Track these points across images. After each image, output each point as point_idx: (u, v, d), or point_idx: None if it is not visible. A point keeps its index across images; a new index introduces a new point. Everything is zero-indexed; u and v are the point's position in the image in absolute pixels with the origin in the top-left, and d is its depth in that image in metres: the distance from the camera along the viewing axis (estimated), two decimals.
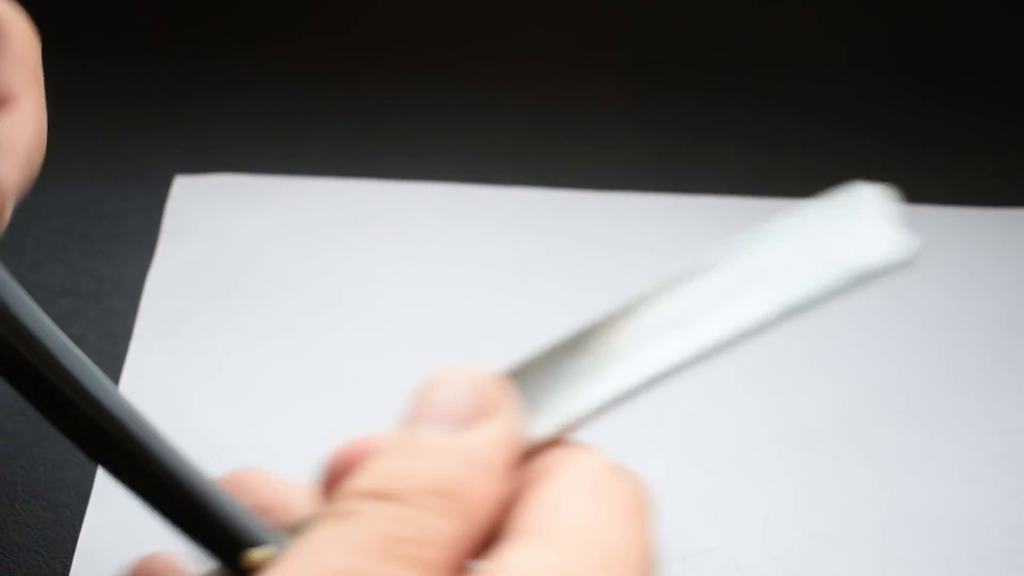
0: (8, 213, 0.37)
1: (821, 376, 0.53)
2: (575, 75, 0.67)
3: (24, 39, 0.38)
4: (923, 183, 0.61)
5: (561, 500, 0.24)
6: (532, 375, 0.28)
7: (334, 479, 0.27)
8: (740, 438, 0.50)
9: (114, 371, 0.51)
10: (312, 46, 0.69)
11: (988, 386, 0.53)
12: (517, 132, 0.64)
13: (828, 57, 0.69)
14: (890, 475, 0.49)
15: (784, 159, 0.63)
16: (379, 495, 0.23)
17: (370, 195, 0.60)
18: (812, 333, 0.54)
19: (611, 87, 0.67)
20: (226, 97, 0.66)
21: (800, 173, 0.62)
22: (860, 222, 0.24)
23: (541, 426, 0.26)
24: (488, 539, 0.23)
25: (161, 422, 0.52)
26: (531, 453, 0.26)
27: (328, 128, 0.64)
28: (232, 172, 0.61)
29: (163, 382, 0.51)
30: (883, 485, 0.49)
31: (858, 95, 0.67)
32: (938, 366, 0.53)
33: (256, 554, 0.26)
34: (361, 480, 0.23)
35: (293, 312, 0.54)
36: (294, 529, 0.27)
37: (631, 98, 0.66)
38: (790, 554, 0.46)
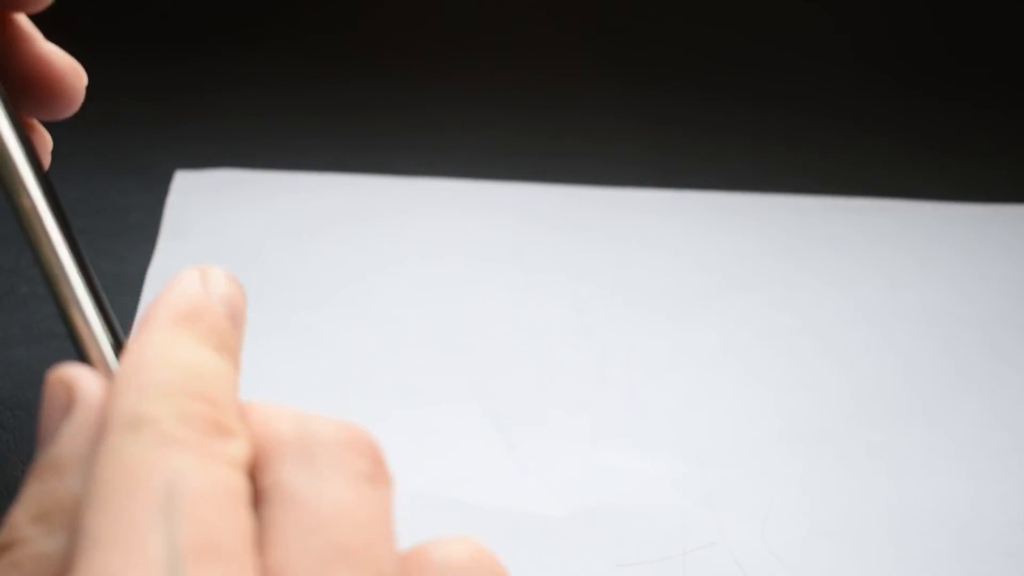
0: None
1: (824, 371, 0.53)
2: (576, 71, 0.67)
3: None
4: (927, 180, 0.61)
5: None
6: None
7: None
8: (741, 433, 0.50)
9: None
10: (313, 42, 0.69)
11: (992, 382, 0.53)
12: (517, 128, 0.64)
13: (830, 52, 0.69)
14: (892, 470, 0.49)
15: (784, 155, 0.63)
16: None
17: (371, 191, 0.60)
18: (816, 328, 0.54)
19: (611, 82, 0.67)
20: (227, 92, 0.66)
21: (801, 169, 0.62)
22: None
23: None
24: None
25: None
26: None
27: (329, 124, 0.64)
28: (233, 167, 0.61)
29: None
30: (885, 480, 0.49)
31: (860, 91, 0.67)
32: (942, 362, 0.53)
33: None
34: None
35: (294, 307, 0.54)
36: None
37: (632, 94, 0.66)
38: (791, 550, 0.46)
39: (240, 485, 0.24)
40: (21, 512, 0.24)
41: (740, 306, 0.55)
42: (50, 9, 0.37)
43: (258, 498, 0.24)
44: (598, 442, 0.49)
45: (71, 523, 0.24)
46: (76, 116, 0.42)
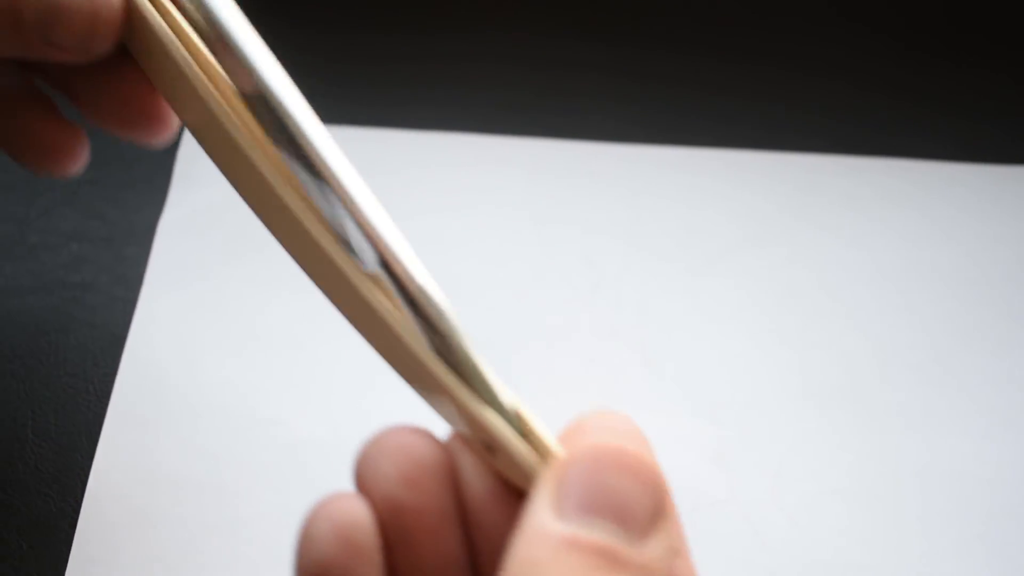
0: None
1: (838, 329, 0.53)
2: (592, 30, 0.67)
3: None
4: (937, 140, 0.61)
5: None
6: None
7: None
8: (752, 391, 0.50)
9: (125, 317, 0.51)
10: None
11: (1002, 342, 0.52)
12: (533, 85, 0.63)
13: (834, 15, 0.68)
14: (903, 430, 0.49)
15: (793, 114, 0.62)
16: None
17: (384, 144, 0.60)
18: (831, 286, 0.54)
19: (624, 43, 0.66)
20: None
21: (808, 128, 0.61)
22: None
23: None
24: None
25: (173, 367, 0.52)
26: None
27: (342, 76, 0.64)
28: None
29: (174, 327, 0.51)
30: (895, 440, 0.49)
31: (866, 50, 0.66)
32: (952, 321, 0.53)
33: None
34: None
35: None
36: None
37: (644, 54, 0.65)
38: (801, 508, 0.47)
39: None
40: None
41: (755, 263, 0.55)
42: None
43: None
44: (609, 399, 0.49)
45: None
46: None
